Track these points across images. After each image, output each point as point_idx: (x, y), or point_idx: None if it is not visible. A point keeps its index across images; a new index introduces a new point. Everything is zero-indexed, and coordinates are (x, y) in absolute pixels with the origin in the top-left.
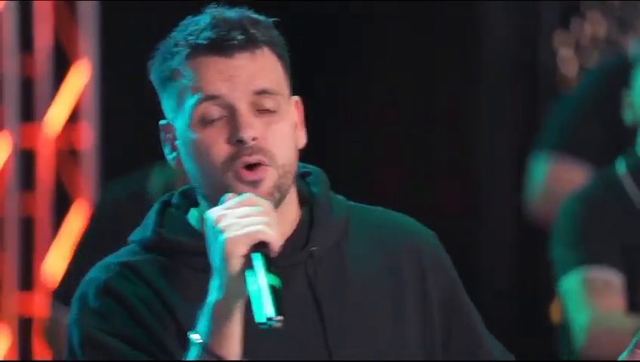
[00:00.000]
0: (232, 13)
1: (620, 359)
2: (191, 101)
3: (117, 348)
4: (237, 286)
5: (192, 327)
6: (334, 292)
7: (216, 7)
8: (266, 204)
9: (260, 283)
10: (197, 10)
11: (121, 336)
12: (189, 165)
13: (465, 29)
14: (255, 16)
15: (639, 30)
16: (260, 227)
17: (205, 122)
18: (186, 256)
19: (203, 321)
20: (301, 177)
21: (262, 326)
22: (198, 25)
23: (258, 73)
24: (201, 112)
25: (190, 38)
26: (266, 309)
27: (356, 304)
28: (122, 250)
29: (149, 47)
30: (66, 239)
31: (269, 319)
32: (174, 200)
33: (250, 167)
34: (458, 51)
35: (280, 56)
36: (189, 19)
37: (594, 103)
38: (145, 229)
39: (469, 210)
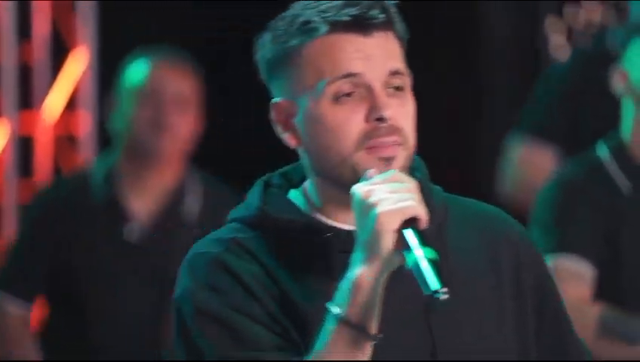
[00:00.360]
0: None
1: None
2: (325, 78)
3: (236, 321)
4: (385, 261)
5: (300, 305)
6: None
7: None
8: (411, 181)
9: (419, 257)
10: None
11: (238, 310)
12: (312, 143)
13: (465, 29)
14: None
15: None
16: (411, 202)
17: (338, 99)
18: (292, 234)
19: (343, 294)
20: None
21: (433, 297)
22: (333, 3)
23: (391, 53)
24: (335, 90)
25: (327, 15)
26: (430, 283)
27: (459, 289)
28: (224, 228)
29: (145, 35)
30: None
31: (436, 292)
32: (274, 180)
33: (385, 146)
34: (458, 51)
35: (402, 38)
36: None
37: (567, 88)
38: (249, 207)
39: None
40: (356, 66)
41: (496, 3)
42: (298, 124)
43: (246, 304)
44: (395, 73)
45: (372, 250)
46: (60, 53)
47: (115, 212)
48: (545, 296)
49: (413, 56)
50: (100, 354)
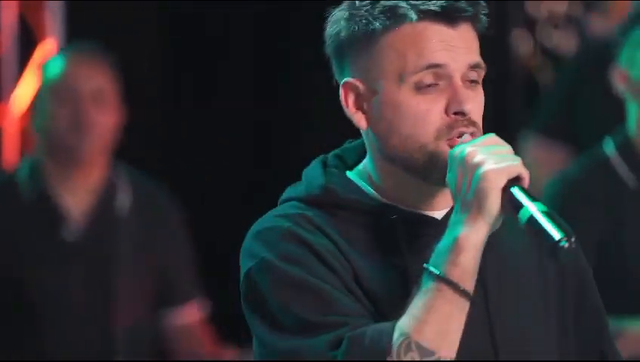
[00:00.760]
0: None
1: None
2: (409, 66)
3: (320, 288)
4: (489, 220)
5: (368, 281)
6: (495, 271)
7: None
8: (509, 146)
9: (534, 211)
10: None
11: (319, 278)
12: (389, 128)
13: None
14: None
15: (603, 8)
16: (515, 161)
17: (420, 88)
18: (356, 214)
19: (443, 255)
20: None
21: (558, 248)
22: None
23: (472, 46)
24: (418, 79)
25: (416, 3)
26: (552, 233)
27: (512, 286)
28: (285, 205)
29: (114, 26)
30: None
31: (559, 241)
32: (331, 161)
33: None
34: None
35: (481, 32)
36: None
37: (576, 87)
38: (310, 186)
39: None
40: (441, 57)
41: None
42: (372, 107)
43: (324, 273)
44: (474, 67)
45: (478, 208)
46: (28, 45)
47: (48, 212)
48: (586, 299)
49: None
50: (54, 357)
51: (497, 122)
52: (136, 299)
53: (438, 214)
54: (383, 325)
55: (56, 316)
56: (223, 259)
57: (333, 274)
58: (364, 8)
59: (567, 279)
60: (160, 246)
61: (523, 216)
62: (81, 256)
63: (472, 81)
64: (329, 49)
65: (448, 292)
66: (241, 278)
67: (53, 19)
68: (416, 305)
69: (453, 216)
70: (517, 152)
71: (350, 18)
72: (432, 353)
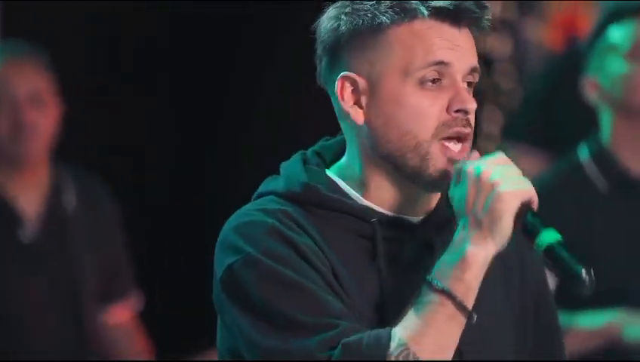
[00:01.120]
0: None
1: None
2: (415, 62)
3: (306, 287)
4: (499, 241)
5: (343, 281)
6: None
7: None
8: (518, 169)
9: (553, 242)
10: None
11: (304, 276)
12: (387, 123)
13: None
14: None
15: (539, 12)
16: (529, 185)
17: (424, 83)
18: (335, 214)
19: (448, 269)
20: None
21: (577, 281)
22: None
23: (473, 49)
24: (423, 75)
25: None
26: (573, 267)
27: (478, 293)
28: (262, 199)
29: (50, 26)
30: None
31: (580, 275)
32: (311, 157)
33: (459, 139)
34: None
35: (477, 37)
36: None
37: (548, 94)
38: (291, 182)
39: None
40: (447, 56)
41: None
42: (371, 101)
43: (309, 273)
44: (474, 70)
45: (489, 228)
46: None
47: (5, 214)
48: (542, 291)
49: None
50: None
51: None
52: (93, 297)
53: (416, 219)
54: (380, 332)
55: (21, 318)
56: (159, 256)
57: (317, 273)
58: (369, 3)
59: (529, 292)
60: (103, 244)
61: (540, 245)
62: (39, 256)
63: (470, 83)
64: (324, 44)
65: (450, 308)
66: (220, 272)
67: None
68: (416, 316)
69: (459, 231)
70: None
71: (353, 12)
72: None
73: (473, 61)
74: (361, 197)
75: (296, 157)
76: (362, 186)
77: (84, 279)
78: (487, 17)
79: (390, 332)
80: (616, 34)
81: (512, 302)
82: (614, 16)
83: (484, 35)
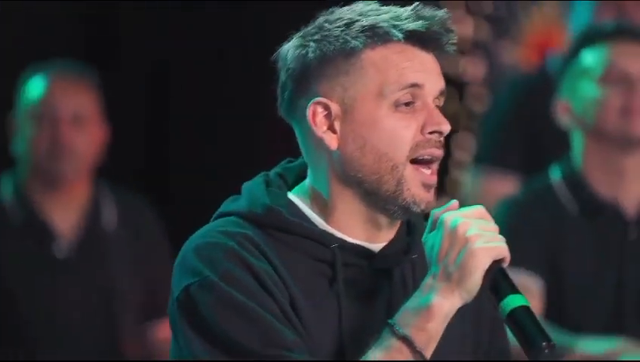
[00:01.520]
0: (435, 11)
1: None
2: (389, 85)
3: (261, 316)
4: (465, 295)
5: (300, 309)
6: None
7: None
8: (493, 221)
9: (518, 308)
10: None
11: (260, 304)
12: (363, 147)
13: None
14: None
15: (514, 35)
16: (503, 243)
17: (398, 106)
18: (296, 238)
19: (412, 317)
20: None
21: (536, 352)
22: (398, 11)
23: (440, 73)
24: (397, 98)
25: (399, 23)
26: (535, 337)
27: None
28: (224, 220)
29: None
30: None
31: (541, 345)
32: (274, 179)
33: (430, 162)
34: None
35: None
36: (367, 5)
37: (514, 116)
38: (253, 204)
39: None
40: (420, 78)
41: None
42: (344, 126)
43: (265, 299)
44: (442, 93)
45: (458, 282)
46: None
47: (38, 232)
48: (495, 315)
49: None
50: None
51: None
52: (132, 313)
53: (376, 247)
54: None
55: (52, 334)
56: None
57: (273, 300)
58: (339, 29)
59: (482, 325)
60: (147, 260)
61: (505, 308)
62: (73, 272)
63: (437, 106)
64: (289, 72)
65: (409, 356)
66: (177, 291)
67: None
68: (374, 356)
69: (428, 278)
70: (467, 187)
71: (322, 39)
72: None
73: (441, 84)
74: (324, 223)
75: (258, 178)
76: (328, 211)
77: (122, 293)
78: (452, 41)
79: None
80: (589, 58)
81: (466, 336)
82: (587, 40)
83: (456, 58)
